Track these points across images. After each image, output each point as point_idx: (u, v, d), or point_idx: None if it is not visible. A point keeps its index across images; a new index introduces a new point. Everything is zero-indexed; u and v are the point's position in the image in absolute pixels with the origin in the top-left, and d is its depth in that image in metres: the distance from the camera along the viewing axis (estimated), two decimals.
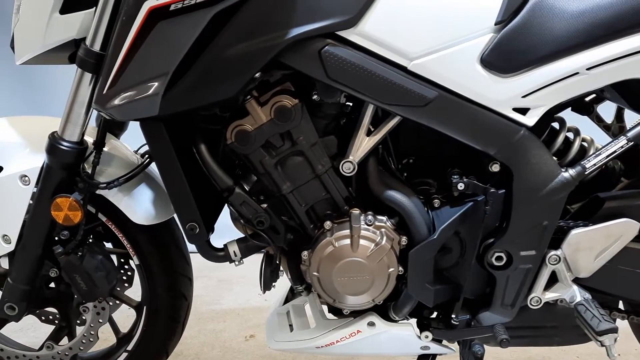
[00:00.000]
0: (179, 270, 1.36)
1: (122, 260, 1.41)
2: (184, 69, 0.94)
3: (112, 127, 1.32)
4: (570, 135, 1.22)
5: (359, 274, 1.05)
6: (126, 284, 1.43)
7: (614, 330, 1.01)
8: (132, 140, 1.35)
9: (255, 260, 1.91)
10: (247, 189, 1.10)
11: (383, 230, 1.06)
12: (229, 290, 2.50)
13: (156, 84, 0.93)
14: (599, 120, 1.37)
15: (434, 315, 1.19)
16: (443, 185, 1.14)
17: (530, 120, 1.05)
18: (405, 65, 0.99)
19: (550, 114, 1.17)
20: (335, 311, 1.22)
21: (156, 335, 1.39)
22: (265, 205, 1.08)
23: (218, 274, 2.72)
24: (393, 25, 0.97)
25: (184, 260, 1.38)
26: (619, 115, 1.36)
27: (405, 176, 1.18)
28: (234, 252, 1.11)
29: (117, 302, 1.42)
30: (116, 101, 0.97)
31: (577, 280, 1.13)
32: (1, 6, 2.61)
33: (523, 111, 1.06)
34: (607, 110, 1.38)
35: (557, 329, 1.23)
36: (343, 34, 0.95)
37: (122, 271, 1.42)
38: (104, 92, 0.97)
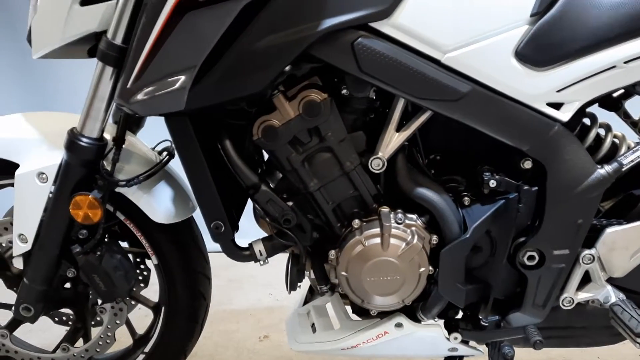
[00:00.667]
0: (198, 269, 1.33)
1: (138, 260, 1.38)
2: (212, 62, 0.91)
3: (129, 123, 1.28)
4: (602, 131, 1.19)
5: (389, 274, 1.02)
6: (142, 284, 1.40)
7: None
8: (146, 138, 1.32)
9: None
10: (272, 186, 1.07)
11: (414, 229, 1.03)
12: (239, 290, 2.47)
13: (183, 77, 0.90)
14: (626, 117, 1.34)
15: (462, 316, 1.16)
16: (472, 183, 1.11)
17: (564, 115, 1.02)
18: (439, 58, 0.96)
19: (582, 110, 1.14)
20: (360, 312, 1.19)
21: (174, 336, 1.36)
22: (291, 203, 1.05)
23: (227, 273, 2.68)
24: (427, 17, 0.94)
25: (203, 259, 1.35)
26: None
27: (433, 173, 1.15)
28: (260, 251, 1.08)
29: (134, 302, 1.39)
30: (140, 96, 0.93)
31: (610, 280, 1.10)
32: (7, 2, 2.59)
33: (557, 106, 1.03)
34: (635, 106, 1.35)
35: (587, 329, 1.20)
36: (376, 25, 0.92)
37: (138, 271, 1.39)
38: (128, 86, 0.94)
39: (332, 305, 1.25)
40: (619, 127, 1.32)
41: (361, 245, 1.02)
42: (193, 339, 1.39)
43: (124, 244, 1.35)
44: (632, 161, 1.02)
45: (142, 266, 1.39)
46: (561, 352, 1.75)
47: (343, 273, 1.04)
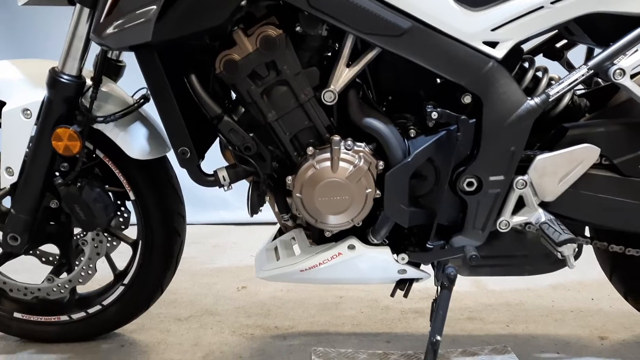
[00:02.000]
0: (173, 207, 1.44)
1: (120, 202, 1.49)
2: None
3: (109, 72, 1.39)
4: (540, 74, 1.30)
5: (338, 194, 1.13)
6: (123, 226, 1.51)
7: (573, 240, 1.10)
8: None
9: (247, 230, 1.96)
10: (236, 119, 1.17)
11: (361, 154, 1.14)
12: (222, 253, 2.57)
13: (149, 10, 1.00)
14: (569, 66, 1.45)
15: (409, 239, 1.27)
16: (420, 120, 1.22)
17: (499, 52, 1.13)
18: None
19: (520, 52, 1.25)
20: (320, 241, 1.30)
21: (151, 270, 1.47)
22: (252, 134, 1.16)
23: (212, 240, 2.79)
24: None
25: (178, 199, 1.46)
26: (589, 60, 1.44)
27: (385, 111, 1.26)
28: (223, 177, 1.19)
29: (115, 240, 1.50)
30: (110, 30, 1.04)
31: (543, 206, 1.21)
32: None
33: (493, 44, 1.14)
34: (577, 56, 1.46)
35: (528, 257, 1.31)
36: None
37: (119, 213, 1.50)
38: (100, 21, 1.05)
39: (295, 236, 1.36)
40: None
41: (313, 169, 1.13)
42: (169, 273, 1.50)
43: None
44: (557, 92, 1.13)
45: (122, 208, 1.50)
46: (518, 296, 1.87)
47: (298, 195, 1.15)
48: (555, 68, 1.36)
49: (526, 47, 1.40)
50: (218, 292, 2.01)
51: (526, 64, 1.28)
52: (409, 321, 1.69)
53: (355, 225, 1.19)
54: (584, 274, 1.92)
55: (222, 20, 1.03)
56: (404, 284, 1.32)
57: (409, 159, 1.13)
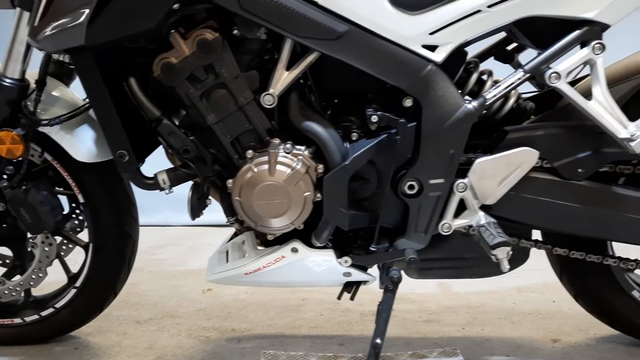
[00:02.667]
0: (124, 208, 1.44)
1: (74, 205, 1.49)
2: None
3: (60, 74, 1.39)
4: (485, 77, 1.30)
5: (276, 197, 1.13)
6: (78, 229, 1.51)
7: (505, 243, 1.10)
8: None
9: (225, 231, 1.99)
10: (176, 122, 1.18)
11: (300, 157, 1.14)
12: (195, 255, 2.58)
13: (81, 13, 1.01)
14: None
15: (353, 242, 1.27)
16: (365, 123, 1.22)
17: (438, 56, 1.14)
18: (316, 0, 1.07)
19: (463, 55, 1.26)
20: (267, 243, 1.30)
21: (103, 272, 1.47)
22: (193, 137, 1.16)
23: (189, 242, 2.80)
24: None
25: (129, 200, 1.45)
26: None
27: (330, 114, 1.26)
28: (163, 180, 1.19)
29: (69, 244, 1.50)
30: (46, 32, 1.04)
31: (486, 209, 1.21)
32: None
33: (432, 48, 1.14)
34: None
35: (476, 260, 1.31)
36: None
37: (74, 215, 1.50)
38: (35, 24, 1.05)
39: (245, 239, 1.36)
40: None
41: (251, 172, 1.13)
42: (121, 275, 1.50)
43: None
44: (494, 96, 1.13)
45: (77, 211, 1.50)
46: (479, 298, 1.87)
47: (237, 198, 1.15)
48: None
49: (477, 50, 1.41)
50: (183, 294, 2.02)
51: (471, 67, 1.29)
52: (366, 323, 1.69)
53: (297, 228, 1.19)
54: (551, 276, 1.91)
55: (154, 23, 1.03)
56: (351, 287, 1.32)
57: (347, 163, 1.14)
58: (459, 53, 1.22)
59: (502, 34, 1.37)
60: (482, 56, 1.40)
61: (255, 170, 1.13)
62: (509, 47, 1.41)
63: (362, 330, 1.65)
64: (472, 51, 1.40)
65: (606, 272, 1.33)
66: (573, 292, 1.42)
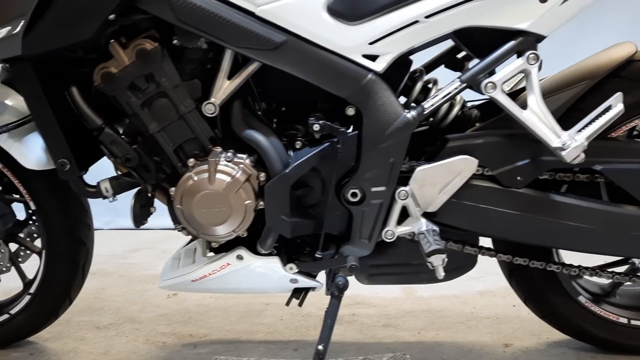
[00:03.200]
0: (76, 216, 1.45)
1: (31, 212, 1.49)
2: (45, 10, 1.03)
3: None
4: (430, 85, 1.31)
5: (216, 206, 1.14)
6: (35, 235, 1.52)
7: (441, 251, 1.11)
8: None
9: None
10: (120, 130, 1.18)
11: (241, 166, 1.15)
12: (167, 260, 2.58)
13: (17, 24, 1.01)
14: None
15: (298, 249, 1.28)
16: (309, 131, 1.23)
17: (379, 65, 1.15)
18: (253, 10, 1.08)
19: (406, 65, 1.27)
20: (217, 250, 1.31)
21: (56, 279, 1.47)
22: (135, 145, 1.17)
23: (164, 246, 2.80)
24: None
25: (82, 207, 1.46)
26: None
27: (276, 122, 1.27)
28: (105, 188, 1.20)
29: (26, 250, 1.51)
30: None
31: (428, 216, 1.22)
32: None
33: (373, 58, 1.15)
34: None
35: (424, 265, 1.32)
36: None
37: (30, 222, 1.50)
38: None
39: (197, 245, 1.37)
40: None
41: (192, 180, 1.14)
42: (75, 282, 1.50)
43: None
44: (432, 105, 1.15)
45: (34, 217, 1.50)
46: (440, 302, 1.89)
47: (178, 206, 1.16)
48: None
49: (427, 58, 1.42)
50: (148, 299, 2.02)
51: (417, 76, 1.30)
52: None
53: (240, 235, 1.20)
54: None
55: (90, 34, 1.04)
56: (299, 293, 1.33)
57: (287, 171, 1.15)
58: (403, 62, 1.23)
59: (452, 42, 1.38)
60: (433, 64, 1.41)
61: (195, 178, 1.14)
62: (459, 55, 1.43)
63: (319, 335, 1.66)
64: (423, 59, 1.42)
65: (552, 278, 1.34)
66: (522, 297, 1.44)
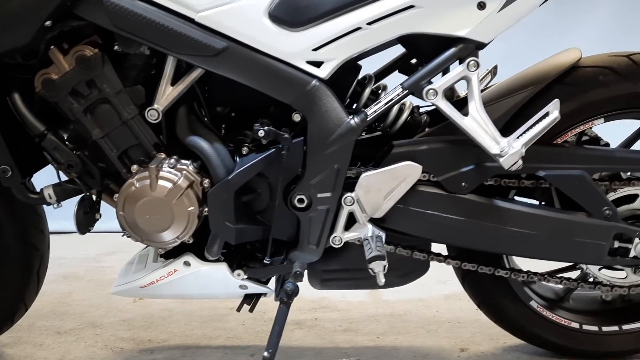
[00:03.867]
0: (28, 221, 1.44)
1: None
2: None
3: None
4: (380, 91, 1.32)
5: (158, 212, 1.13)
6: None
7: (381, 257, 1.11)
8: None
9: None
10: (65, 136, 1.18)
11: (184, 172, 1.15)
12: None
13: None
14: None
15: (246, 255, 1.28)
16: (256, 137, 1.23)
17: (323, 72, 1.15)
18: (192, 17, 1.08)
19: (355, 70, 1.27)
20: (167, 256, 1.31)
21: (9, 285, 1.46)
22: (79, 152, 1.16)
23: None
24: None
25: (34, 213, 1.45)
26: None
27: (225, 128, 1.27)
28: (49, 194, 1.19)
29: None
30: None
31: (376, 222, 1.23)
32: None
33: (317, 64, 1.15)
34: None
35: None
36: None
37: None
38: None
39: (149, 251, 1.36)
40: None
41: (133, 187, 1.14)
42: (29, 288, 1.49)
43: None
44: (375, 112, 1.15)
45: None
46: (405, 306, 1.89)
47: (121, 213, 1.16)
48: None
49: (381, 63, 1.43)
50: (113, 303, 2.01)
51: (366, 81, 1.30)
52: (286, 333, 1.68)
53: (186, 242, 1.20)
54: None
55: (26, 40, 1.04)
56: (250, 299, 1.33)
57: (230, 177, 1.14)
58: (351, 67, 1.24)
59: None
60: (387, 69, 1.42)
61: (137, 185, 1.13)
62: (413, 61, 1.43)
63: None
64: (378, 64, 1.43)
65: (503, 283, 1.34)
66: (475, 302, 1.44)
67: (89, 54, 1.10)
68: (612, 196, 1.24)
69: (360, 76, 1.29)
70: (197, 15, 1.08)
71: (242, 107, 1.27)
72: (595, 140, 1.33)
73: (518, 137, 1.09)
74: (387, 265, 1.12)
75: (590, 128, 1.27)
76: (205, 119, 1.23)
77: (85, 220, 1.22)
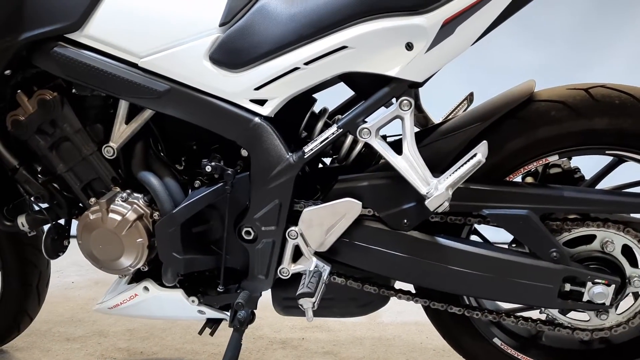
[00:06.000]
0: (26, 240, 1.58)
1: None
2: None
3: None
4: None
5: (109, 243, 1.22)
6: None
7: (309, 295, 1.13)
8: None
9: None
10: (38, 169, 1.29)
11: (134, 205, 1.23)
12: None
13: None
14: None
15: (202, 282, 1.33)
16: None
17: (266, 110, 1.18)
18: (136, 62, 1.15)
19: (309, 104, 1.29)
20: (132, 280, 1.39)
21: (12, 297, 1.62)
22: (49, 184, 1.28)
23: None
24: (118, 27, 1.14)
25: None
26: (417, 105, 1.45)
27: (185, 162, 1.33)
28: (22, 223, 1.31)
29: None
30: None
31: (324, 254, 1.24)
32: None
33: (262, 102, 1.19)
34: None
35: (335, 300, 1.35)
36: (72, 36, 1.13)
37: None
38: None
39: None
40: None
41: (88, 218, 1.23)
42: (30, 300, 1.64)
43: None
44: (312, 150, 1.16)
45: None
46: (399, 332, 1.87)
47: (80, 242, 1.25)
48: None
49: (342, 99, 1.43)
50: (88, 307, 2.14)
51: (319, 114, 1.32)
52: (268, 352, 1.75)
53: (141, 269, 1.28)
54: None
55: None
56: (212, 323, 1.39)
57: (174, 211, 1.21)
58: (304, 101, 1.26)
59: None
60: (353, 102, 1.42)
61: (91, 217, 1.22)
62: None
63: (258, 358, 1.71)
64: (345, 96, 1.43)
65: (464, 319, 1.31)
66: (442, 332, 1.41)
67: (49, 97, 1.20)
68: (566, 237, 1.19)
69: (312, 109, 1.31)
70: (140, 61, 1.15)
71: (195, 142, 1.33)
72: (569, 173, 1.27)
73: (447, 178, 1.07)
74: (316, 302, 1.14)
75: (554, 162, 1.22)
76: (162, 154, 1.30)
77: (53, 247, 1.34)
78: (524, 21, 2.14)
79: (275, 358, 1.71)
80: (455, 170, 1.07)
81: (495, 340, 1.33)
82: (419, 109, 1.45)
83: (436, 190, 1.06)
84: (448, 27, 1.04)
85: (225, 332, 1.58)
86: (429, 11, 1.04)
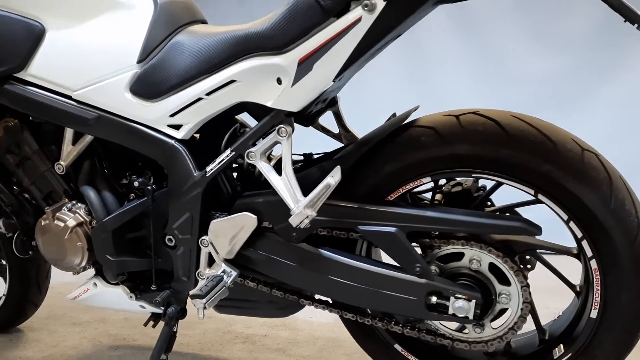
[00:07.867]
0: None
1: None
2: None
3: None
4: None
5: (55, 246, 1.46)
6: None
7: (199, 297, 1.29)
8: None
9: None
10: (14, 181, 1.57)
11: (77, 214, 1.46)
12: None
13: None
14: (324, 131, 1.59)
15: (139, 280, 1.54)
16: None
17: (180, 133, 1.37)
18: (70, 95, 1.38)
19: (229, 123, 1.46)
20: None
21: (17, 287, 1.93)
22: (22, 195, 1.55)
23: None
24: (54, 65, 1.37)
25: None
26: (342, 124, 1.57)
27: (129, 176, 1.55)
28: (1, 225, 1.59)
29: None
30: None
31: (233, 261, 1.40)
32: None
33: (178, 127, 1.37)
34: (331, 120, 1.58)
35: (257, 302, 1.50)
36: (19, 75, 1.38)
37: None
38: None
39: None
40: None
41: (40, 224, 1.48)
42: (31, 291, 1.94)
43: None
44: (212, 169, 1.33)
45: None
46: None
47: (37, 243, 1.51)
48: None
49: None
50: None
51: (242, 131, 1.48)
52: (228, 345, 1.93)
53: (86, 268, 1.51)
54: None
55: None
56: (155, 316, 1.60)
57: (104, 220, 1.42)
58: (223, 123, 1.43)
59: None
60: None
61: (43, 223, 1.47)
62: (306, 113, 1.55)
63: (217, 350, 1.90)
64: None
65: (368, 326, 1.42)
66: (355, 339, 1.52)
67: (11, 124, 1.46)
68: (439, 253, 1.26)
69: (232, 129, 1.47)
70: (73, 94, 1.38)
71: (145, 160, 1.53)
72: (467, 192, 1.34)
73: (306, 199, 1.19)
74: (207, 303, 1.30)
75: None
76: (105, 170, 1.52)
77: (22, 246, 1.61)
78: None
79: (231, 352, 1.89)
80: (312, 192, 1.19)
81: (397, 346, 1.42)
82: (344, 128, 1.58)
83: (297, 208, 1.19)
84: (305, 65, 1.16)
85: (202, 325, 1.74)
86: (286, 52, 1.17)
